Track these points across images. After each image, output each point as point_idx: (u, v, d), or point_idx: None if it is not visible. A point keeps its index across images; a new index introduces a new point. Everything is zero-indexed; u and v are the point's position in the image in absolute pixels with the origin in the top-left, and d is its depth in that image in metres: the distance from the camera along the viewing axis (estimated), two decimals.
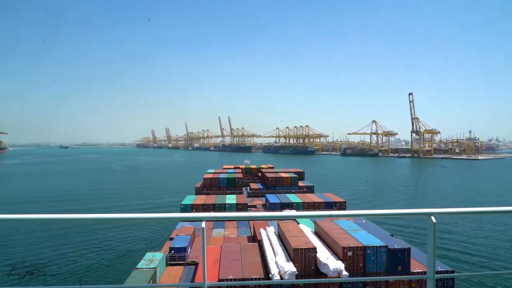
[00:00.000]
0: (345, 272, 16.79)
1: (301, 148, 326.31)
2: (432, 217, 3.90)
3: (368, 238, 19.17)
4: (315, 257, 17.83)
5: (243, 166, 67.30)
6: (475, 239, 41.42)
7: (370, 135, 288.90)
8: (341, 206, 38.24)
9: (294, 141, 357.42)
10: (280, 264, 17.42)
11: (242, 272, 17.24)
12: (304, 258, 17.74)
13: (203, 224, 3.88)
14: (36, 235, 44.99)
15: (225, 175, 51.52)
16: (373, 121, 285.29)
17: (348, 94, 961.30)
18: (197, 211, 36.12)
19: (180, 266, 21.76)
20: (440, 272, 16.45)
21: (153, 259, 20.58)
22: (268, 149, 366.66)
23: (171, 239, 26.12)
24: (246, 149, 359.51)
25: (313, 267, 17.71)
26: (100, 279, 30.66)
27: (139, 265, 19.64)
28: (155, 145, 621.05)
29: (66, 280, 30.44)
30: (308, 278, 17.36)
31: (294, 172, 54.70)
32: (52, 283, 29.63)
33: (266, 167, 66.65)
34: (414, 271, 17.46)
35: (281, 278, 16.74)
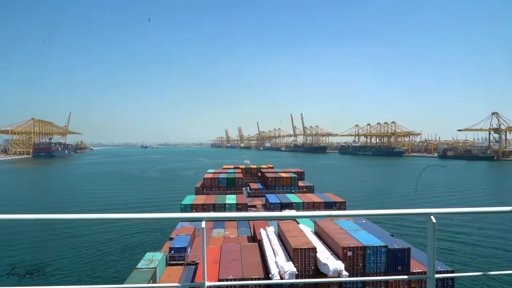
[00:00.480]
0: (345, 272, 16.80)
1: (386, 148, 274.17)
2: (432, 217, 3.90)
3: (368, 238, 19.18)
4: (315, 257, 17.84)
5: (243, 166, 67.34)
6: (475, 239, 41.43)
7: (489, 132, 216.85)
8: (341, 206, 38.24)
9: (377, 140, 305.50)
10: (280, 264, 17.42)
11: (242, 272, 17.24)
12: (304, 258, 17.75)
13: (203, 224, 3.88)
14: (36, 235, 44.98)
15: (225, 175, 51.54)
16: (493, 113, 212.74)
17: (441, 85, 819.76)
18: (197, 211, 36.12)
19: (180, 266, 21.76)
20: (440, 272, 16.45)
21: (153, 259, 20.58)
22: (345, 150, 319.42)
23: (171, 239, 26.12)
24: (320, 150, 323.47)
25: (313, 267, 17.71)
26: (100, 279, 30.66)
27: (139, 265, 19.64)
28: (228, 144, 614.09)
29: (66, 280, 30.43)
30: (308, 278, 17.37)
31: (294, 172, 54.73)
32: (52, 283, 29.63)
33: (266, 167, 66.69)
34: (414, 271, 17.47)
35: (281, 278, 16.75)
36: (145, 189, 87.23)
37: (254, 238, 25.49)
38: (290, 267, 17.07)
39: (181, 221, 31.21)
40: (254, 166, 66.49)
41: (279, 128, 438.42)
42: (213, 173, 55.12)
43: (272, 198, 40.61)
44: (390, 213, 4.04)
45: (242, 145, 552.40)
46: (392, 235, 23.72)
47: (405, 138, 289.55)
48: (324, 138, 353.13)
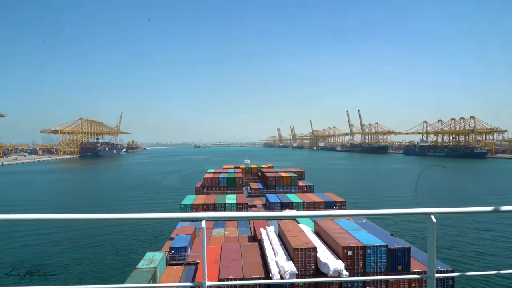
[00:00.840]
0: (345, 272, 16.80)
1: (463, 148, 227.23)
2: (432, 217, 3.89)
3: (368, 238, 19.18)
4: (315, 257, 17.84)
5: (243, 166, 67.41)
6: (476, 238, 41.42)
7: None
8: (341, 205, 38.24)
9: (451, 138, 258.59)
10: (280, 264, 17.42)
11: (242, 272, 17.24)
12: (304, 258, 17.75)
13: (203, 223, 3.88)
14: (36, 235, 44.98)
15: (225, 175, 51.54)
16: None
17: None
18: (197, 211, 36.13)
19: (180, 266, 21.76)
20: (440, 272, 16.45)
21: (153, 259, 20.59)
22: (411, 150, 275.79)
23: (171, 239, 26.11)
24: (380, 150, 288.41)
25: (313, 267, 17.72)
26: (100, 279, 30.66)
27: (139, 265, 19.64)
28: (280, 144, 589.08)
29: (66, 280, 30.44)
30: (308, 277, 17.38)
31: (294, 172, 54.74)
32: (52, 283, 29.63)
33: (266, 166, 66.74)
34: (414, 270, 17.48)
35: (282, 277, 16.74)
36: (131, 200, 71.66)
37: (255, 238, 25.49)
38: (290, 266, 17.07)
39: (181, 221, 31.22)
40: (254, 166, 66.53)
41: (334, 127, 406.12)
42: (213, 173, 55.14)
43: (272, 198, 40.61)
44: (390, 213, 4.03)
45: (294, 144, 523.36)
46: (392, 235, 23.71)
47: (487, 136, 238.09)
48: (385, 136, 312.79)
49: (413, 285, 17.40)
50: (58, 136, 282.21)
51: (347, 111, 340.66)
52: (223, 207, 36.89)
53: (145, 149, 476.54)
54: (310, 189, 49.74)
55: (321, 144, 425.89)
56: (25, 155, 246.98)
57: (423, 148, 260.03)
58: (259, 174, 60.57)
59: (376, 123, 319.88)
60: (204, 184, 49.51)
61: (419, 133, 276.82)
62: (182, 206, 36.97)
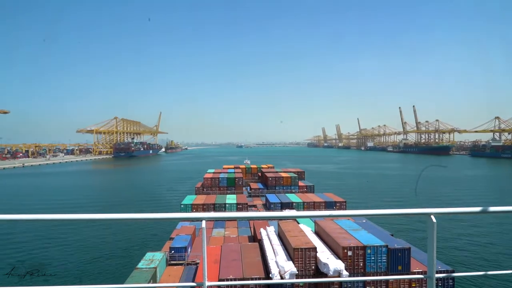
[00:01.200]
0: (345, 272, 16.80)
1: None
2: (432, 217, 3.89)
3: (368, 238, 19.18)
4: (315, 257, 17.84)
5: (243, 166, 67.45)
6: (476, 238, 41.40)
7: None
8: (341, 205, 38.23)
9: None
10: (281, 264, 17.42)
11: (242, 272, 17.24)
12: (304, 258, 17.75)
13: (203, 224, 3.87)
14: (36, 235, 44.98)
15: (225, 175, 51.55)
16: None
17: None
18: (197, 211, 36.13)
19: (180, 266, 21.77)
20: (440, 272, 16.44)
21: (153, 259, 20.60)
22: (479, 151, 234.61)
23: (171, 239, 26.12)
24: (441, 150, 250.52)
25: (313, 267, 17.72)
26: (100, 279, 30.66)
27: (139, 265, 19.65)
28: (325, 144, 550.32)
29: (66, 280, 30.44)
30: (308, 277, 17.38)
31: (294, 172, 54.74)
32: (52, 283, 29.63)
33: (266, 166, 66.75)
34: (414, 270, 17.47)
35: (282, 277, 16.74)
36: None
37: (255, 238, 25.49)
38: (290, 267, 17.07)
39: (181, 221, 31.22)
40: (254, 166, 66.55)
41: (384, 125, 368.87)
42: (213, 173, 55.16)
43: (272, 198, 40.61)
44: (390, 213, 4.02)
45: (340, 144, 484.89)
46: (392, 235, 23.72)
47: None
48: (446, 135, 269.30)
49: (413, 285, 17.40)
50: (93, 136, 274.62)
51: (399, 108, 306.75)
52: (223, 207, 36.89)
53: (185, 149, 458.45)
54: (310, 189, 49.74)
55: (370, 144, 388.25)
56: (62, 155, 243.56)
57: (496, 149, 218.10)
58: (259, 174, 60.59)
59: (437, 120, 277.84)
60: (204, 184, 49.52)
61: (490, 131, 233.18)
62: (182, 206, 36.98)
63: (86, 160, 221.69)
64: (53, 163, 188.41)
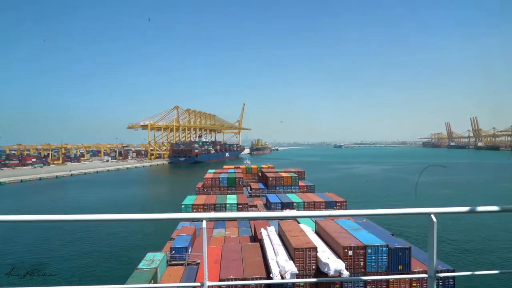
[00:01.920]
0: (345, 272, 16.80)
1: None
2: (433, 216, 3.89)
3: (368, 237, 19.17)
4: (316, 257, 17.84)
5: (244, 166, 67.43)
6: (476, 238, 41.42)
7: None
8: (342, 205, 38.20)
9: None
10: (281, 264, 17.42)
11: (243, 272, 17.24)
12: (305, 258, 17.75)
13: (204, 224, 3.87)
14: (36, 235, 45.05)
15: (226, 175, 51.53)
16: None
17: None
18: (197, 211, 36.11)
19: (181, 266, 21.77)
20: (441, 271, 16.43)
21: (154, 259, 20.60)
22: None
23: (172, 239, 26.12)
24: None
25: (314, 267, 17.71)
26: (101, 279, 30.70)
27: (140, 265, 19.66)
28: (452, 143, 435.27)
29: (66, 280, 30.48)
30: (309, 277, 17.38)
31: (294, 172, 54.73)
32: (52, 283, 29.67)
33: (267, 167, 66.72)
34: (415, 270, 17.47)
35: (282, 277, 16.74)
36: None
37: (255, 238, 25.49)
38: (291, 266, 17.07)
39: (182, 221, 31.24)
40: (255, 166, 66.53)
41: None
42: (214, 173, 55.14)
43: (273, 198, 40.59)
44: (390, 213, 4.02)
45: (480, 144, 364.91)
46: (393, 235, 23.71)
47: None
48: None
49: (413, 284, 17.39)
50: (148, 133, 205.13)
51: None
52: (223, 207, 36.88)
53: (276, 149, 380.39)
54: (310, 189, 49.70)
55: None
56: (106, 160, 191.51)
57: None
58: (260, 174, 60.58)
59: None
60: (205, 184, 49.50)
61: None
62: (182, 206, 36.95)
63: (127, 167, 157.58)
64: (83, 173, 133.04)
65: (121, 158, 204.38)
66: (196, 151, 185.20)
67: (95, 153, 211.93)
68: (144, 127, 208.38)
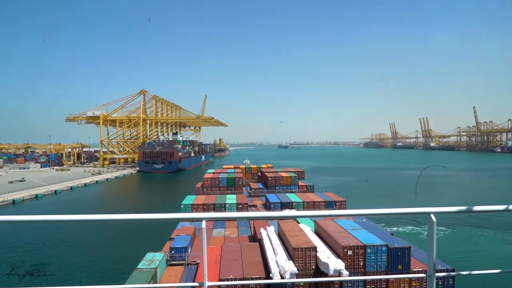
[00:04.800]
0: (345, 271, 16.80)
1: None
2: (432, 216, 3.89)
3: (368, 237, 19.18)
4: (316, 256, 17.84)
5: (243, 166, 67.41)
6: (476, 237, 41.46)
7: None
8: (341, 205, 38.22)
9: None
10: (281, 264, 17.42)
11: (242, 272, 17.24)
12: (304, 258, 17.75)
13: (203, 224, 3.87)
14: (36, 235, 45.00)
15: (225, 175, 51.52)
16: None
17: None
18: (197, 211, 36.10)
19: (180, 266, 21.78)
20: (441, 271, 16.45)
21: (154, 259, 20.60)
22: None
23: (171, 239, 26.13)
24: None
25: (313, 266, 17.72)
26: (100, 279, 30.69)
27: (140, 265, 19.65)
28: (399, 143, 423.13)
29: (66, 280, 30.47)
30: (309, 277, 17.37)
31: (293, 172, 54.74)
32: (52, 283, 29.66)
33: (266, 166, 66.72)
34: (415, 269, 17.48)
35: (282, 277, 16.74)
36: None
37: (255, 238, 25.49)
38: (290, 266, 17.07)
39: (182, 221, 31.23)
40: (254, 166, 66.53)
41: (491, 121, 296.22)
42: (213, 173, 55.12)
43: (272, 198, 40.59)
44: (390, 213, 4.02)
45: (432, 144, 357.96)
46: (392, 234, 23.73)
47: None
48: None
49: (413, 284, 17.40)
50: (100, 128, 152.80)
51: None
52: (223, 207, 36.87)
53: (229, 150, 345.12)
54: (310, 188, 49.72)
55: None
56: (34, 166, 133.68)
57: None
58: (259, 174, 60.57)
59: None
60: (204, 184, 49.48)
61: None
62: (182, 206, 36.95)
63: (86, 183, 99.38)
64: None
65: (56, 165, 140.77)
66: (180, 154, 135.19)
67: (11, 157, 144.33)
68: (93, 120, 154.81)
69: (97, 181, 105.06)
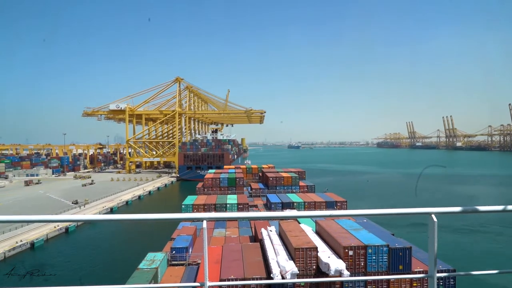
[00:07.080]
0: (346, 272, 16.78)
1: None
2: (433, 216, 3.88)
3: (369, 237, 19.15)
4: (316, 257, 17.82)
5: (244, 166, 67.38)
6: (476, 237, 41.38)
7: None
8: (342, 205, 38.18)
9: None
10: (282, 264, 17.40)
11: (243, 272, 17.23)
12: (305, 258, 17.73)
13: (204, 224, 3.87)
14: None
15: (226, 175, 51.51)
16: None
17: None
18: (198, 211, 36.11)
19: (181, 266, 21.78)
20: (442, 271, 16.42)
21: (155, 259, 20.61)
22: None
23: (172, 239, 26.13)
24: None
25: (314, 267, 17.70)
26: (101, 279, 30.71)
27: (141, 265, 19.66)
28: (417, 143, 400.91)
29: (66, 280, 30.50)
30: (309, 277, 17.35)
31: (294, 172, 54.71)
32: (52, 283, 29.70)
33: (267, 166, 66.69)
34: (416, 270, 17.45)
35: (283, 277, 16.73)
36: None
37: (256, 238, 25.48)
38: (291, 266, 17.06)
39: (182, 221, 31.22)
40: (255, 166, 66.51)
41: None
42: (214, 173, 55.12)
43: (273, 198, 40.57)
44: (391, 213, 4.01)
45: (459, 144, 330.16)
46: (393, 234, 23.69)
47: None
48: None
49: (414, 284, 17.37)
50: (126, 125, 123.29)
51: None
52: (224, 207, 36.87)
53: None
54: (310, 189, 49.68)
55: None
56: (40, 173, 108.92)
57: None
58: (260, 174, 60.55)
59: None
60: (205, 185, 49.48)
61: None
62: (183, 206, 36.97)
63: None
64: None
65: (70, 170, 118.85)
66: (230, 156, 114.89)
67: (15, 160, 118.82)
68: (116, 114, 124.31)
69: (139, 196, 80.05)
